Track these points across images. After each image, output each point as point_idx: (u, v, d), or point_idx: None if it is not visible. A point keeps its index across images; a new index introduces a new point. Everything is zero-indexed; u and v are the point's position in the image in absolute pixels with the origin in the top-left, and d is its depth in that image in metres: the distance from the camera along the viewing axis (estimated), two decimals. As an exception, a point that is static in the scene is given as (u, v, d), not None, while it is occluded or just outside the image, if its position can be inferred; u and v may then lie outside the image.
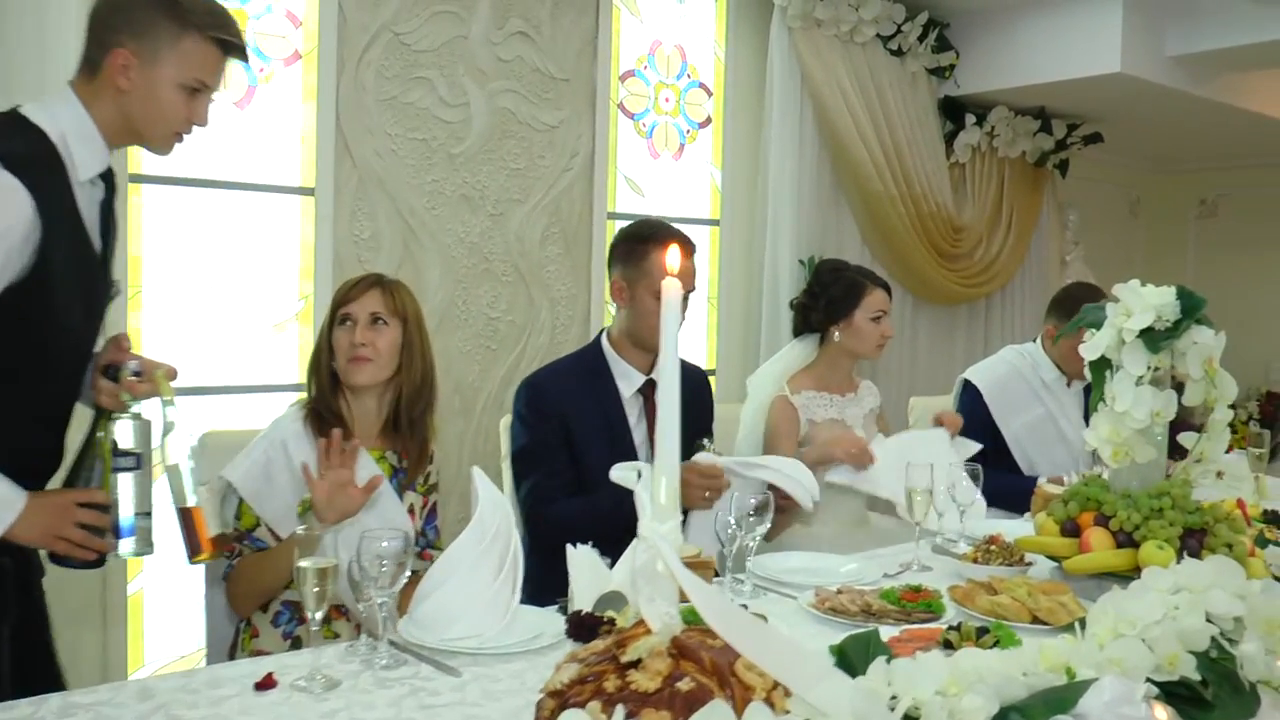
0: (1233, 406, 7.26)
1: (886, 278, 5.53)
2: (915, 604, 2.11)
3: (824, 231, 5.23)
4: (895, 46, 5.40)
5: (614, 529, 2.70)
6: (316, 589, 1.72)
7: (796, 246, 5.05)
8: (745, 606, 2.00)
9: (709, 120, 5.08)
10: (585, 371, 2.99)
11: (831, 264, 3.67)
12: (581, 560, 2.04)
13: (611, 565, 2.11)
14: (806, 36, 5.00)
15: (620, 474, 1.43)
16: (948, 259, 5.77)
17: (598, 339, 3.09)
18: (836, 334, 3.49)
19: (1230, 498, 3.70)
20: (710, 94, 5.07)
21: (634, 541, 2.13)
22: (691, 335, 5.10)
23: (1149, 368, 2.27)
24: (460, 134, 4.28)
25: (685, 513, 2.92)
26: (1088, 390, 3.90)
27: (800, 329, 3.62)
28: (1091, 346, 2.34)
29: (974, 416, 3.81)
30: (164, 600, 3.66)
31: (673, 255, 2.92)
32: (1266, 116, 6.31)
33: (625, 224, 4.83)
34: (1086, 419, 3.94)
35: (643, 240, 2.96)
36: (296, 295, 4.00)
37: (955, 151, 5.84)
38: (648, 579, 1.40)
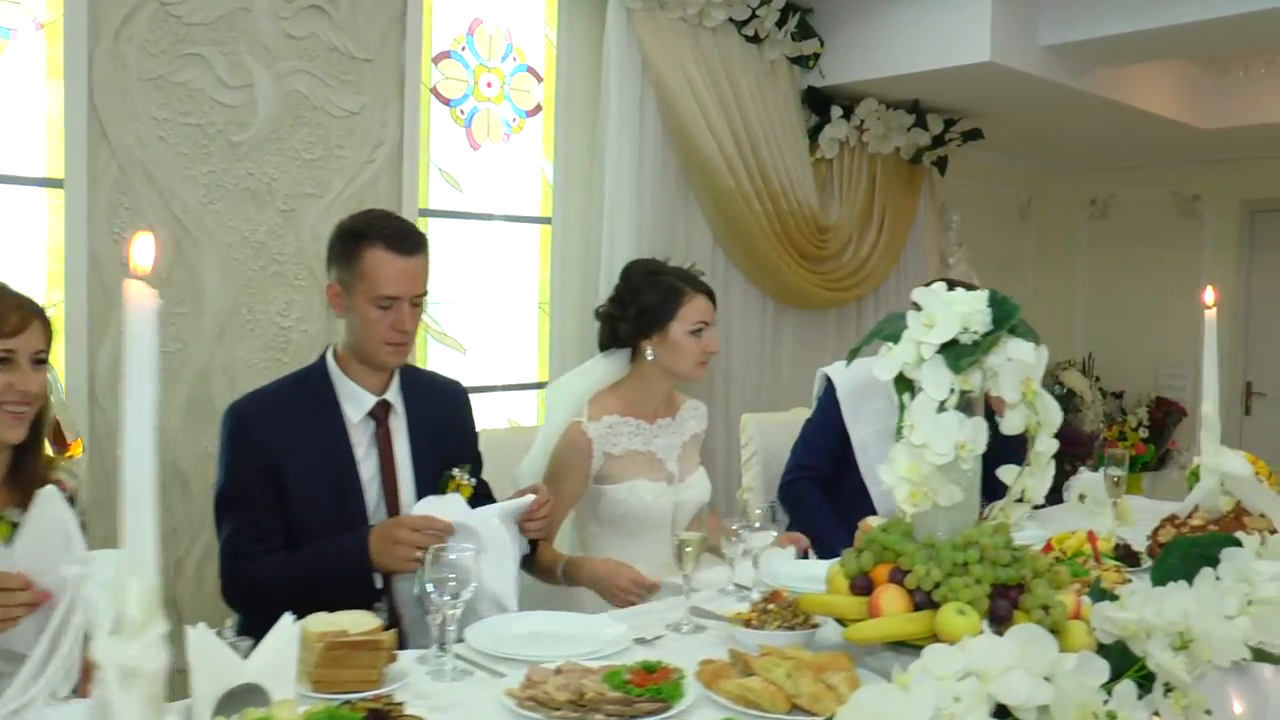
0: (1124, 412, 6.98)
1: (743, 282, 5.16)
2: (643, 690, 1.65)
3: (670, 231, 4.79)
4: (751, 32, 4.98)
5: (316, 593, 2.26)
6: None
7: (638, 247, 4.59)
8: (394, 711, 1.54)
9: (539, 108, 4.62)
10: (304, 395, 2.49)
11: (645, 266, 3.14)
12: (203, 646, 1.56)
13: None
14: (648, 19, 4.56)
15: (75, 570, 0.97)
16: (813, 261, 5.36)
17: (324, 355, 2.60)
18: (649, 350, 2.96)
19: (1094, 526, 3.34)
20: (540, 79, 4.61)
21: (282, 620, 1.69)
22: (521, 345, 4.63)
23: (952, 390, 1.85)
24: (243, 119, 3.78)
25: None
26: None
27: (607, 343, 3.08)
28: (886, 364, 1.91)
29: (827, 413, 3.39)
30: None
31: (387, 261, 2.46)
32: (1148, 113, 6.02)
33: (441, 221, 4.45)
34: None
35: (357, 236, 2.47)
36: (43, 303, 3.46)
37: (821, 146, 5.44)
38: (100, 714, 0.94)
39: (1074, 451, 7.70)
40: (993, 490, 2.07)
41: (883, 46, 5.17)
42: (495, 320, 4.52)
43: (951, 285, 3.61)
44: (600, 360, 3.07)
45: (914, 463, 1.85)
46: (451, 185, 4.38)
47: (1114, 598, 2.08)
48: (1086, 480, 3.69)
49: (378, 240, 2.43)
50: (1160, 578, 2.30)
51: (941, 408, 1.85)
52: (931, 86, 5.38)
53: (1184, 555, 2.41)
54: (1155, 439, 7.76)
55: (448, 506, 2.29)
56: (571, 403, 2.99)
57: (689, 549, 2.13)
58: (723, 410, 4.90)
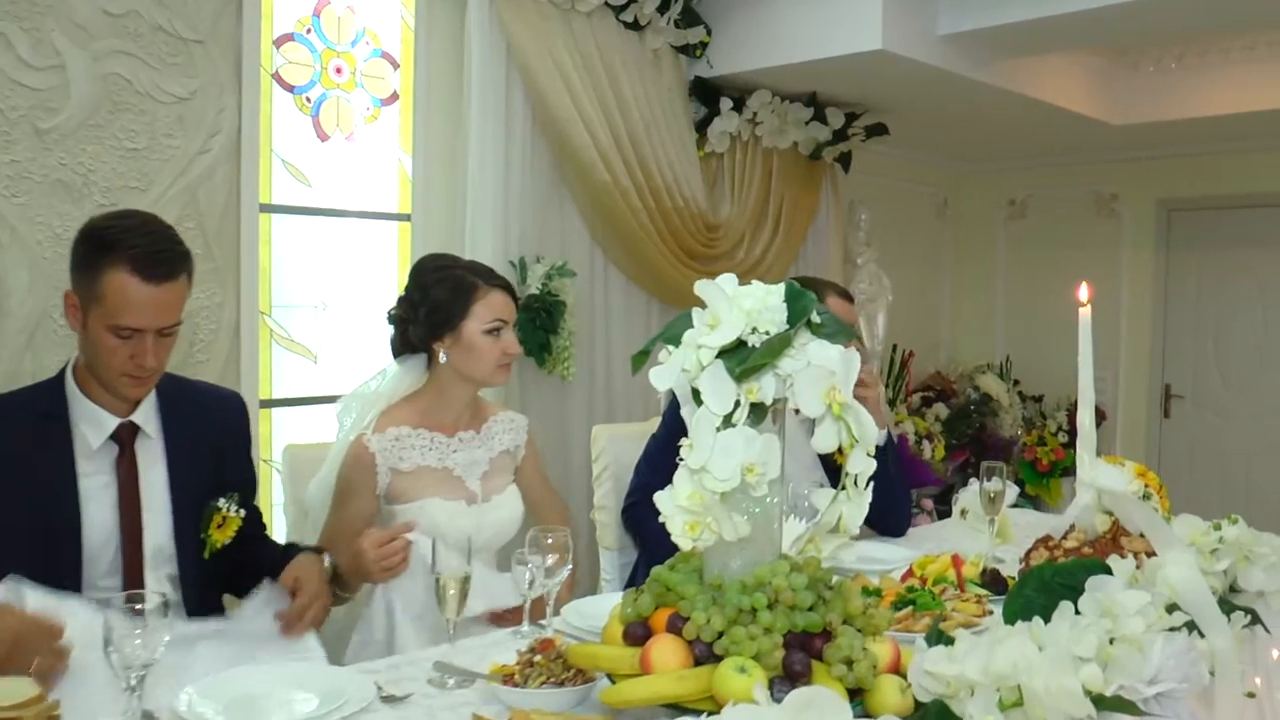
0: (1043, 416, 6.76)
1: (625, 283, 4.84)
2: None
3: (543, 228, 4.48)
4: (630, 18, 4.68)
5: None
6: None
7: (505, 245, 4.28)
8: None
9: (395, 96, 4.28)
10: (32, 413, 2.14)
11: (434, 261, 2.81)
12: None
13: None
14: (514, 2, 4.24)
15: None
16: (701, 260, 5.06)
17: (63, 369, 2.25)
18: (442, 353, 2.65)
19: (974, 545, 3.06)
20: (397, 66, 4.27)
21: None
22: (379, 352, 4.27)
23: (738, 402, 1.55)
24: (53, 104, 3.42)
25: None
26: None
27: (400, 349, 2.77)
28: (661, 373, 1.62)
29: (670, 428, 3.07)
30: None
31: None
32: (1058, 107, 5.81)
33: (286, 218, 4.11)
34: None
35: (102, 250, 2.09)
36: None
37: (710, 140, 5.15)
38: None
39: (992, 457, 7.52)
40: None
41: (773, 35, 4.89)
42: (349, 326, 4.18)
43: (810, 283, 3.36)
44: (395, 368, 2.75)
45: (696, 490, 1.55)
46: (298, 179, 4.04)
47: (950, 641, 1.80)
48: (970, 494, 3.42)
49: (124, 261, 2.05)
50: (1013, 614, 2.02)
51: (728, 423, 1.55)
52: (826, 78, 5.11)
53: (1043, 586, 2.12)
54: (1075, 444, 7.55)
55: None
56: (364, 416, 2.67)
57: (451, 590, 1.82)
58: (604, 420, 4.59)
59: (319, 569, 2.19)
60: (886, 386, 6.77)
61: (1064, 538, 2.57)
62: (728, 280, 1.60)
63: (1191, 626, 2.04)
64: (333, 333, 4.16)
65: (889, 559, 2.80)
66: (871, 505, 3.25)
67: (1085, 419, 2.64)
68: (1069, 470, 7.42)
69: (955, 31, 4.81)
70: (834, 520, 1.68)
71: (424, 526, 2.51)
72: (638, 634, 1.60)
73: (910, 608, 2.20)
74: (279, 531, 3.11)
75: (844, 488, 1.67)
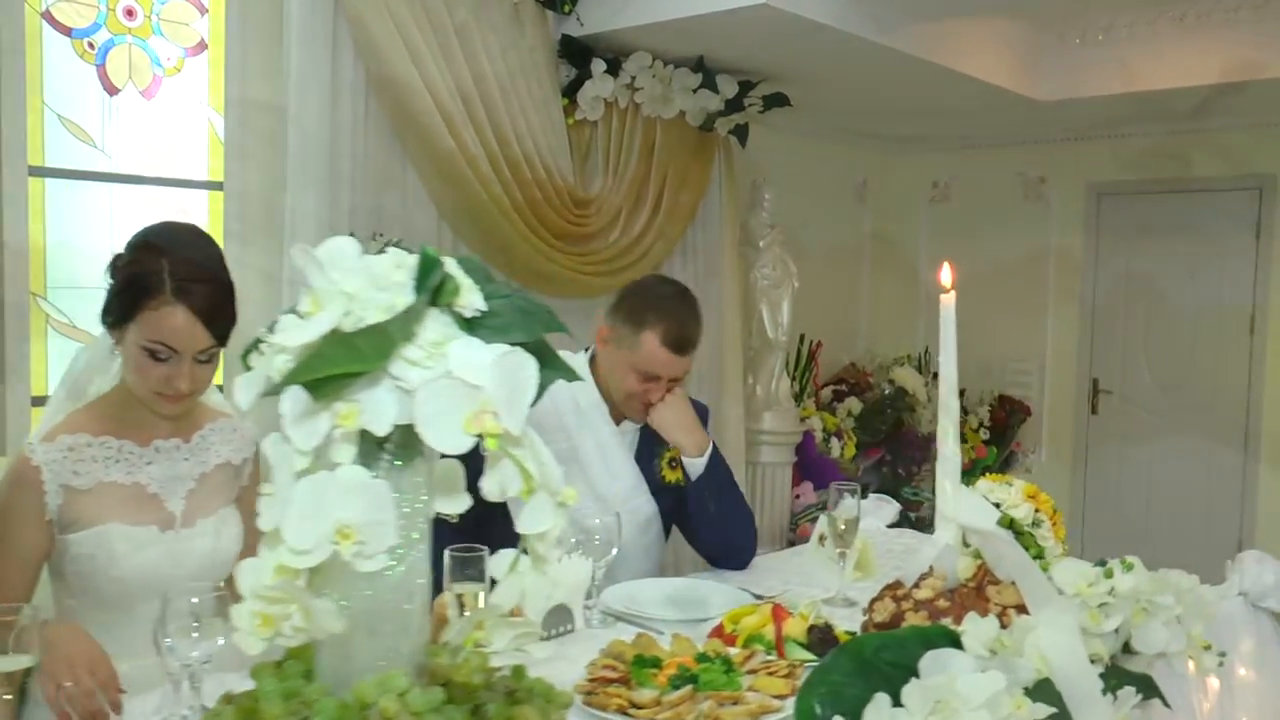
0: (964, 412, 6.29)
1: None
2: None
3: (379, 201, 3.95)
4: (486, -33, 4.15)
5: None
6: None
7: (333, 220, 3.76)
8: None
9: (203, 45, 3.73)
10: None
11: (149, 231, 2.11)
12: None
13: None
14: (344, -60, 3.71)
15: None
16: (570, 241, 4.54)
17: None
18: (116, 347, 2.08)
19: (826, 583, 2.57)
20: (204, 10, 3.72)
21: None
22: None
23: (332, 435, 1.04)
24: None
25: None
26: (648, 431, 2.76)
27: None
28: (246, 385, 1.10)
29: None
30: None
31: None
32: (977, 80, 5.35)
33: (65, 184, 3.55)
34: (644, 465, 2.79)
35: None
36: None
37: (582, 106, 4.62)
38: None
39: (909, 455, 7.06)
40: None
41: (648, -11, 4.37)
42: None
43: (649, 296, 2.79)
44: (102, 345, 2.18)
45: (281, 563, 1.04)
46: (80, 139, 3.49)
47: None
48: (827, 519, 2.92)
49: None
50: (808, 711, 1.51)
51: (310, 468, 1.04)
52: (711, 39, 4.59)
53: (860, 667, 1.59)
54: (998, 440, 7.20)
55: None
56: (54, 416, 2.12)
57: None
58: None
59: None
60: (793, 380, 6.28)
61: (915, 586, 2.07)
62: (340, 246, 1.09)
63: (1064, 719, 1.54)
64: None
65: (710, 602, 2.30)
66: (703, 540, 2.80)
67: (948, 438, 2.10)
68: (991, 468, 7.02)
69: (853, -12, 4.33)
70: (512, 601, 1.17)
71: (99, 560, 1.97)
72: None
73: (690, 686, 1.69)
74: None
75: (525, 551, 1.16)
